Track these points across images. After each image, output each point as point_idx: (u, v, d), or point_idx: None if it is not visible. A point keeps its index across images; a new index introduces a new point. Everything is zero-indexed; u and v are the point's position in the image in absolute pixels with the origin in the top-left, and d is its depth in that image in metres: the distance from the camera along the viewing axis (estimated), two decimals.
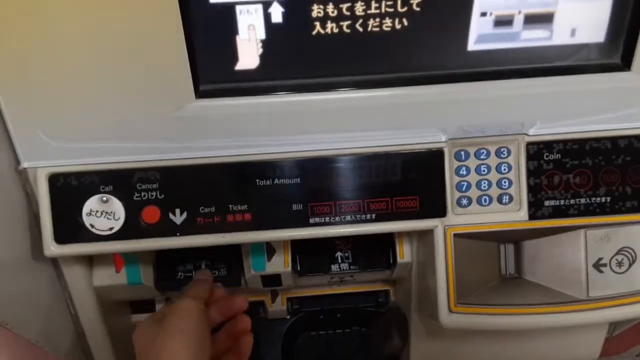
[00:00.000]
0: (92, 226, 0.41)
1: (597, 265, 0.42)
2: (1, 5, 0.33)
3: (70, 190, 0.41)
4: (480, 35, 0.39)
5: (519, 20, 0.39)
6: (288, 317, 0.61)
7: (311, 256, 0.50)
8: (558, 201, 0.43)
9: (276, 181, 0.42)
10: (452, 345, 0.53)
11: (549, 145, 0.43)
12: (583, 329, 0.52)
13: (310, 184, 0.42)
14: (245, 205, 0.42)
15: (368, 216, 0.42)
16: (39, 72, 0.36)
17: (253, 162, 0.41)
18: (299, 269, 0.50)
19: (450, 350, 0.54)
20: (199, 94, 0.38)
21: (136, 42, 0.35)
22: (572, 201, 0.42)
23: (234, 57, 0.38)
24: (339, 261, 0.50)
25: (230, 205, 0.41)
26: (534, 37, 0.40)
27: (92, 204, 0.41)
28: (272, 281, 0.51)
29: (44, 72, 0.36)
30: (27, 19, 0.34)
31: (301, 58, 0.39)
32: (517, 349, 0.53)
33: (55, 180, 0.41)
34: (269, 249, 0.49)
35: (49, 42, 0.35)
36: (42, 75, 0.36)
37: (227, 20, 0.37)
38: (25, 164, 0.41)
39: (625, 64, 0.40)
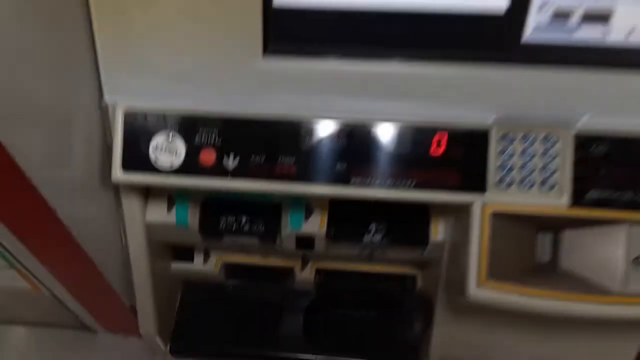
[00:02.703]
0: (156, 160, 0.45)
1: (638, 262, 0.41)
2: None
3: (141, 126, 0.45)
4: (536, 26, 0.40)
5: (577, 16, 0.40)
6: (314, 289, 0.63)
7: (346, 223, 0.52)
8: (602, 192, 0.42)
9: (323, 141, 0.44)
10: (474, 336, 0.53)
11: (597, 138, 0.43)
12: (612, 337, 0.50)
13: (354, 147, 0.44)
14: (293, 158, 0.45)
15: (407, 182, 0.44)
16: (137, 17, 0.42)
17: (304, 121, 0.44)
18: (333, 233, 0.52)
19: (472, 341, 0.53)
20: (267, 51, 0.42)
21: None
22: (616, 194, 0.42)
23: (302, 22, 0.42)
24: (373, 232, 0.52)
25: (280, 156, 0.45)
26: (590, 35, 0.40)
27: (158, 140, 0.45)
28: (306, 244, 0.54)
29: (141, 17, 0.42)
30: None
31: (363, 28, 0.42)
32: (539, 348, 0.52)
33: (130, 116, 0.45)
34: (308, 210, 0.52)
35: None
36: (138, 19, 0.42)
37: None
38: (107, 100, 0.46)
39: None
